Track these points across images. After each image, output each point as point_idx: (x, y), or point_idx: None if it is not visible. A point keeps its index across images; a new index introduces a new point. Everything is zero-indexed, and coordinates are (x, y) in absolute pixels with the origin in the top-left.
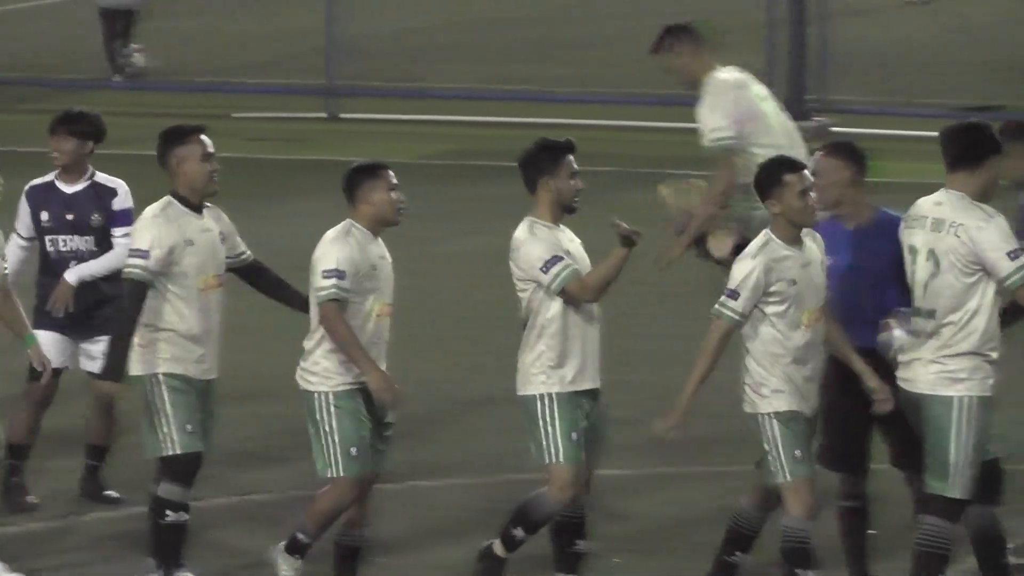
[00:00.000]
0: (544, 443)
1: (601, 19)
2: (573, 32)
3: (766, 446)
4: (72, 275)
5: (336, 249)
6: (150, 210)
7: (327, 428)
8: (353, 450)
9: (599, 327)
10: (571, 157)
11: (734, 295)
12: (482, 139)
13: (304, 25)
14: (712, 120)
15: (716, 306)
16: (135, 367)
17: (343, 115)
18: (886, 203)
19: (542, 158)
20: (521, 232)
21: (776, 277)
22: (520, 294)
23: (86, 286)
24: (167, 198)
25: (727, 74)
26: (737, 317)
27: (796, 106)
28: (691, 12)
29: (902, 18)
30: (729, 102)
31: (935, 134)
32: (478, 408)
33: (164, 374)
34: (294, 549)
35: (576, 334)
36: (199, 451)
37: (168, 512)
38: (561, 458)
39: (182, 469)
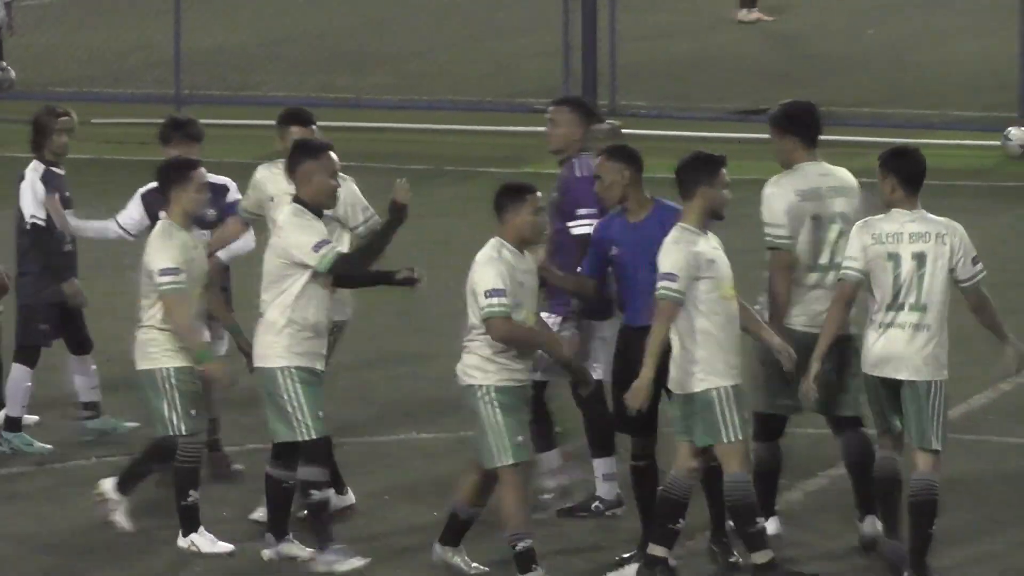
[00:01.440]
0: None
1: (415, 33)
2: (390, 45)
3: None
4: (224, 254)
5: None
6: (290, 209)
7: (492, 421)
8: (519, 438)
9: None
10: (724, 170)
11: None
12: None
13: (153, 40)
14: None
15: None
16: (270, 360)
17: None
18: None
19: (700, 168)
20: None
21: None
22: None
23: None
24: (295, 205)
25: None
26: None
27: None
28: (496, 31)
29: (696, 33)
30: None
31: (714, 134)
32: None
33: (297, 368)
34: (525, 561)
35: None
36: (329, 435)
37: (312, 492)
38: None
39: (319, 452)
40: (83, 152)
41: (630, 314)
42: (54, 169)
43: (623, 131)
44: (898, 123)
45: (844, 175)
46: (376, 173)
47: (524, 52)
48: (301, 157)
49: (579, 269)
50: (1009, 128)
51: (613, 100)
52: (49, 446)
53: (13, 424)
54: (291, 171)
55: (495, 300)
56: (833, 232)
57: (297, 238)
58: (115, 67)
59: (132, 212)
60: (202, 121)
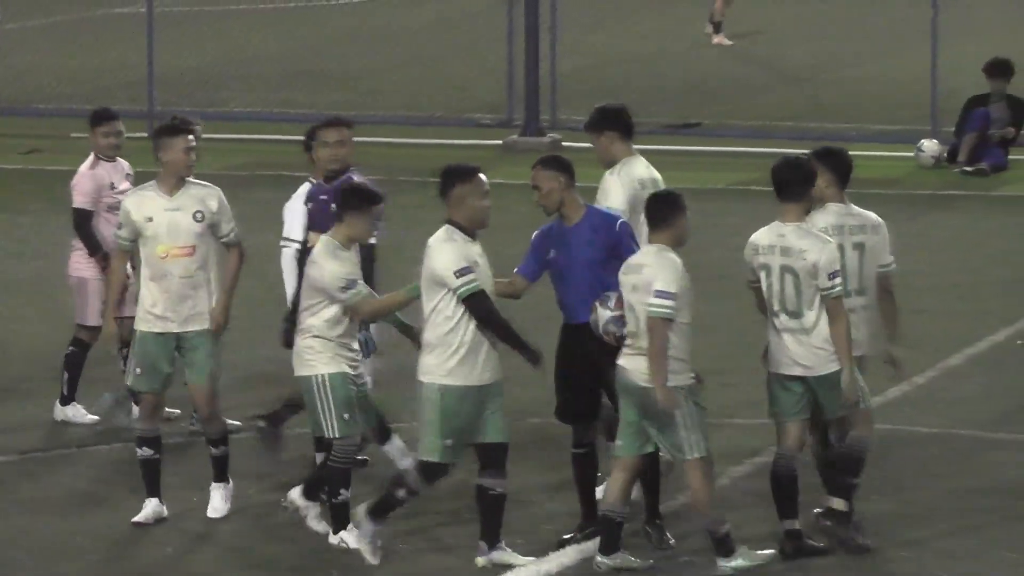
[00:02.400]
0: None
1: (369, 53)
2: (346, 64)
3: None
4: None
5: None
6: (443, 230)
7: (687, 417)
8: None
9: None
10: (483, 177)
11: None
12: (272, 154)
13: (128, 61)
14: None
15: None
16: (427, 375)
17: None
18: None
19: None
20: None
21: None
22: None
23: None
24: (448, 227)
25: None
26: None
27: (533, 125)
28: (445, 52)
29: (631, 53)
30: None
31: (646, 147)
32: None
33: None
34: (724, 547)
35: None
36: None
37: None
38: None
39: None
40: (62, 164)
41: (569, 312)
42: (316, 182)
43: (562, 144)
44: (818, 136)
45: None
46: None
47: (471, 71)
48: (453, 181)
49: (515, 270)
50: (922, 140)
51: (553, 115)
52: (238, 422)
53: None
54: (444, 195)
55: (468, 277)
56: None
57: (444, 259)
58: (92, 85)
59: (296, 225)
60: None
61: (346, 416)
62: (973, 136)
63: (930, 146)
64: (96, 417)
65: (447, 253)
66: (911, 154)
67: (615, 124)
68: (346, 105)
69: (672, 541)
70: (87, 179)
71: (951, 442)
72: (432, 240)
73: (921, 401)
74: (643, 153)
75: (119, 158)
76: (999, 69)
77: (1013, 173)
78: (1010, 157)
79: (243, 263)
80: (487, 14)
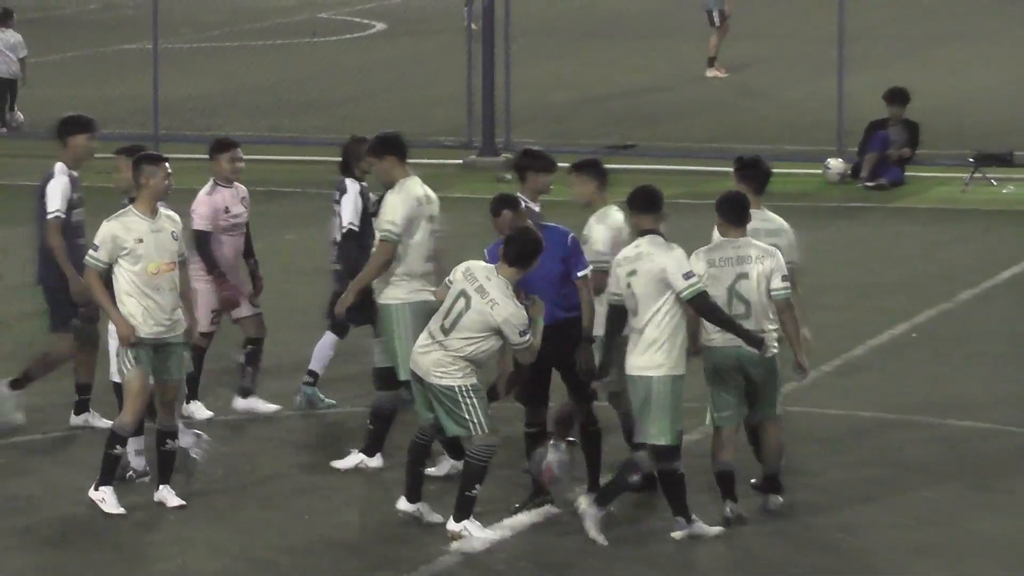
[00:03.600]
0: None
1: (346, 84)
2: (326, 94)
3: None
4: None
5: None
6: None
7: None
8: None
9: None
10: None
11: None
12: (262, 172)
13: (136, 91)
14: None
15: None
16: (658, 370)
17: (166, 155)
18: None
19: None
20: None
21: None
22: None
23: None
24: (653, 236)
25: None
26: None
27: (489, 146)
28: (412, 82)
29: (577, 81)
30: None
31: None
32: None
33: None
34: (774, 486)
35: None
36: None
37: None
38: None
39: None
40: (84, 181)
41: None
42: (364, 184)
43: None
44: (737, 155)
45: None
46: (314, 198)
47: (434, 99)
48: (659, 204)
49: None
50: (828, 159)
51: (508, 137)
52: (333, 401)
53: (313, 377)
54: (651, 212)
55: (694, 280)
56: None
57: (672, 264)
58: (105, 112)
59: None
60: (175, 156)
61: (487, 419)
62: (874, 155)
63: (836, 164)
64: (211, 414)
65: (673, 259)
66: (819, 171)
67: (394, 149)
68: (327, 129)
69: (614, 512)
70: (205, 204)
71: (855, 423)
72: (649, 248)
73: (829, 387)
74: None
75: (237, 183)
76: (897, 96)
77: (909, 188)
78: (906, 174)
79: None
80: (449, 50)
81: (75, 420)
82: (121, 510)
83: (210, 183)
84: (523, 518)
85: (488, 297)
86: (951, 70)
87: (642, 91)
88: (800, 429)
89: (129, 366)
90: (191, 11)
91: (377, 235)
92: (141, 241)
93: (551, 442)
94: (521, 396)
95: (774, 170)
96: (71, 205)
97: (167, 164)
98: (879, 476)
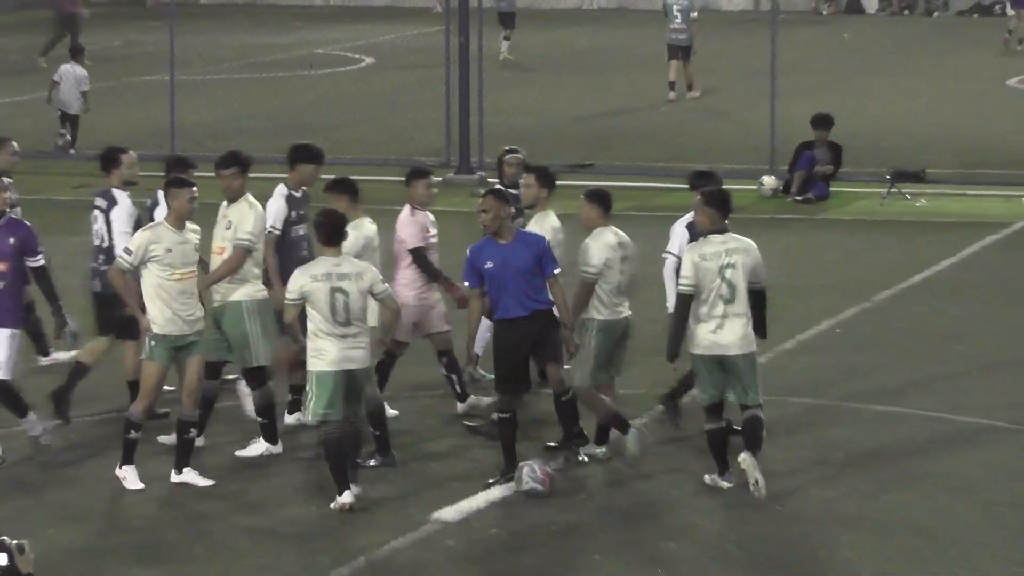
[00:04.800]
0: None
1: (340, 110)
2: (322, 118)
3: None
4: None
5: None
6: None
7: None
8: None
9: None
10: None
11: None
12: (265, 187)
13: (155, 116)
14: None
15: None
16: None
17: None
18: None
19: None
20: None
21: None
22: None
23: None
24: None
25: None
26: None
27: (465, 165)
28: (398, 109)
29: (542, 106)
30: None
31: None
32: None
33: None
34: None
35: None
36: None
37: None
38: None
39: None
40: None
41: (501, 311)
42: (295, 194)
43: (488, 179)
44: (683, 173)
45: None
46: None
47: (417, 124)
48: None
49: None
50: (762, 176)
51: (481, 158)
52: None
53: (478, 359)
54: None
55: None
56: None
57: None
58: (127, 135)
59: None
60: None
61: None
62: (802, 173)
63: (769, 181)
64: (395, 413)
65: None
66: (754, 187)
67: (307, 158)
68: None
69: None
70: (412, 224)
71: (787, 408)
72: (737, 243)
73: (764, 377)
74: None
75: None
76: (822, 122)
77: (833, 202)
78: (831, 189)
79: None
80: (430, 82)
81: (288, 420)
82: (140, 485)
83: (407, 208)
84: (496, 492)
85: (355, 277)
86: (869, 99)
87: (599, 117)
88: (737, 416)
89: (146, 356)
90: (204, 48)
91: (237, 243)
92: (170, 251)
93: (526, 467)
94: (504, 386)
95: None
96: (289, 222)
97: (194, 188)
98: (809, 456)
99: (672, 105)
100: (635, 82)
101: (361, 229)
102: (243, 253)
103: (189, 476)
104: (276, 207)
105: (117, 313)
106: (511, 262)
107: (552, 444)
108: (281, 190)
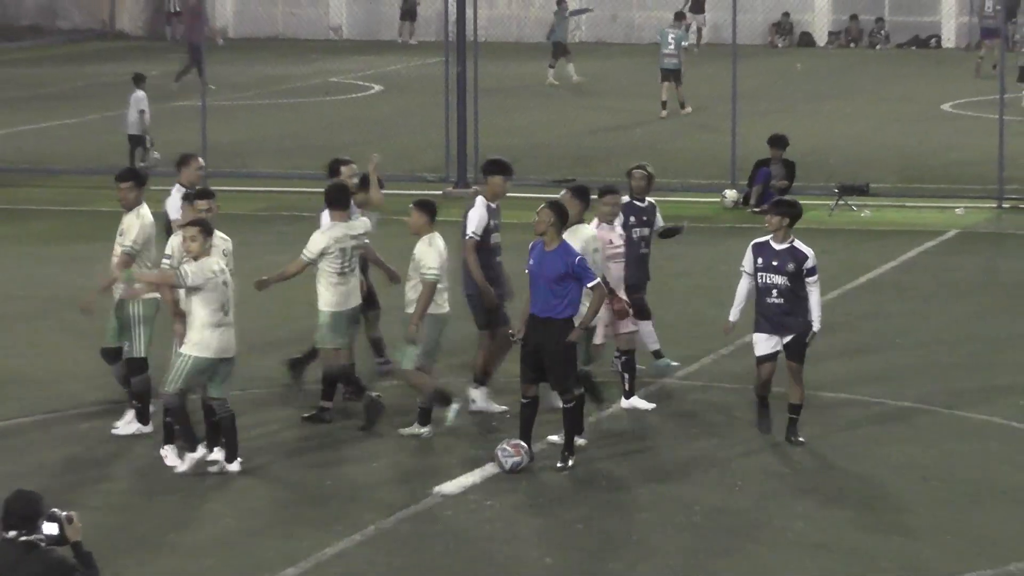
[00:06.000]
0: None
1: (351, 132)
2: (335, 139)
3: None
4: None
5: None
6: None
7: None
8: None
9: None
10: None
11: None
12: (286, 200)
13: (186, 137)
14: None
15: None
16: None
17: (213, 187)
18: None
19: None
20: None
21: None
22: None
23: None
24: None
25: None
26: None
27: (462, 180)
28: (403, 130)
29: (532, 128)
30: None
31: (536, 195)
32: None
33: None
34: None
35: None
36: None
37: None
38: None
39: None
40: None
41: (534, 308)
42: (492, 205)
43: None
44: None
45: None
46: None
47: (419, 144)
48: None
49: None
50: (724, 190)
51: (476, 175)
52: (676, 363)
53: (658, 354)
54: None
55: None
56: None
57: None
58: (165, 152)
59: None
60: (218, 188)
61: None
62: (759, 187)
63: (730, 194)
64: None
65: None
66: (717, 199)
67: (498, 170)
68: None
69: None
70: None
71: (746, 396)
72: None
73: (724, 367)
74: (531, 201)
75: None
76: (777, 141)
77: None
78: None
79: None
80: (431, 107)
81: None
82: (178, 462)
83: (595, 221)
84: (489, 468)
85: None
86: (819, 121)
87: (580, 137)
88: (700, 400)
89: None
90: (231, 77)
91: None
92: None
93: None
94: (530, 375)
95: (681, 198)
96: (488, 230)
97: (207, 200)
98: (765, 438)
99: (644, 126)
100: (612, 106)
101: (434, 245)
102: (127, 259)
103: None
104: (477, 215)
105: None
106: (544, 268)
107: (553, 438)
108: (481, 200)
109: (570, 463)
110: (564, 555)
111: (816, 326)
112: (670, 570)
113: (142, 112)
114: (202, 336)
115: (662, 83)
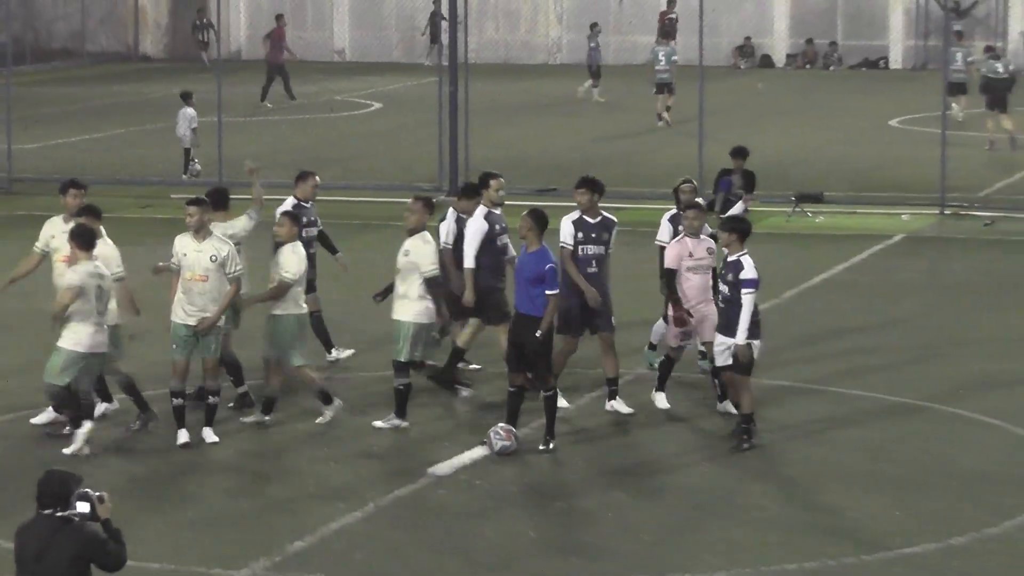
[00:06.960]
0: None
1: (354, 146)
2: (341, 152)
3: None
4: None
5: None
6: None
7: None
8: None
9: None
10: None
11: None
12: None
13: (205, 150)
14: None
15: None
16: None
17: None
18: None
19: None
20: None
21: None
22: None
23: None
24: None
25: None
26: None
27: (455, 190)
28: (401, 144)
29: (520, 140)
30: None
31: (521, 203)
32: None
33: None
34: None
35: None
36: None
37: None
38: None
39: None
40: (165, 214)
41: (517, 305)
42: (494, 212)
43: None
44: (633, 196)
45: None
46: (334, 227)
47: (415, 157)
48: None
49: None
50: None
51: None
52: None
53: (652, 346)
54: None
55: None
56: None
57: None
58: (180, 165)
59: None
60: (235, 197)
61: None
62: (722, 195)
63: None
64: (668, 406)
65: None
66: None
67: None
68: (341, 178)
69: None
70: (673, 248)
71: (683, 381)
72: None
73: (692, 361)
74: (519, 208)
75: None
76: (739, 152)
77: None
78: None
79: (237, 293)
80: (426, 123)
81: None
82: (187, 438)
83: (680, 235)
84: (479, 451)
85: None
86: (778, 135)
87: (561, 150)
88: (671, 390)
89: (174, 347)
90: (246, 95)
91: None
92: (186, 255)
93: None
94: (517, 364)
95: (653, 206)
96: (577, 241)
97: (193, 207)
98: (729, 423)
99: (619, 140)
100: (591, 121)
101: (298, 251)
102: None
103: (206, 432)
104: (566, 230)
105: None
106: (523, 270)
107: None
108: (572, 215)
109: (551, 446)
110: (546, 529)
111: (740, 339)
112: (642, 544)
113: (194, 129)
114: (80, 334)
115: (656, 95)
